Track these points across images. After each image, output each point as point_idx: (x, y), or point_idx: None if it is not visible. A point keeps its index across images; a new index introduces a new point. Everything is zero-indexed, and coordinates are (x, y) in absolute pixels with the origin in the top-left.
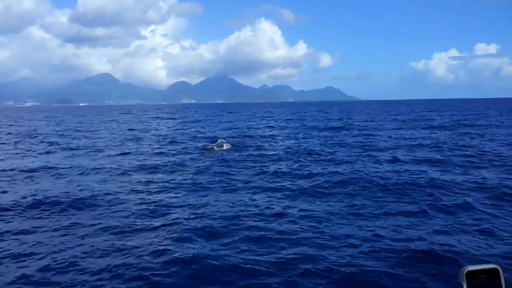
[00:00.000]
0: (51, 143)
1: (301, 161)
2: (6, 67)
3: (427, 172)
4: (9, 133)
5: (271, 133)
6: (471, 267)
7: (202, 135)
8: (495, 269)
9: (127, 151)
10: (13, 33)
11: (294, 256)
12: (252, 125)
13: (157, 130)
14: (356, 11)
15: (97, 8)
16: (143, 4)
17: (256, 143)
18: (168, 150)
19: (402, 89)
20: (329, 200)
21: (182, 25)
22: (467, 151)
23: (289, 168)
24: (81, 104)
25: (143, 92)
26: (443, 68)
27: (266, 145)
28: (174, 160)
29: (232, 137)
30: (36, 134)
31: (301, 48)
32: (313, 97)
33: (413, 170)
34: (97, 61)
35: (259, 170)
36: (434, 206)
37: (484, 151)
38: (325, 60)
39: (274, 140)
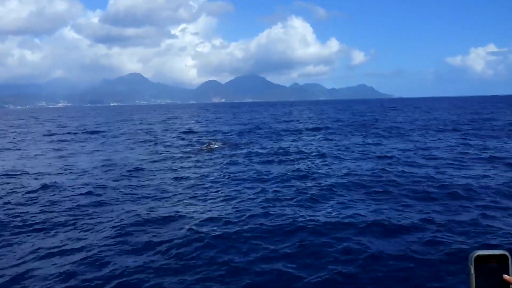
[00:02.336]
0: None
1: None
2: (39, 68)
3: None
4: None
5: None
6: (480, 252)
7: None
8: (504, 255)
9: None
10: (46, 34)
11: None
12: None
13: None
14: (389, 7)
15: (128, 8)
16: (173, 3)
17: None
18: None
19: (438, 86)
20: None
21: (213, 24)
22: None
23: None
24: (111, 104)
25: (174, 91)
26: (481, 64)
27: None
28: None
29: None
30: None
31: (333, 45)
32: (345, 95)
33: None
34: (128, 61)
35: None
36: None
37: None
38: (358, 57)
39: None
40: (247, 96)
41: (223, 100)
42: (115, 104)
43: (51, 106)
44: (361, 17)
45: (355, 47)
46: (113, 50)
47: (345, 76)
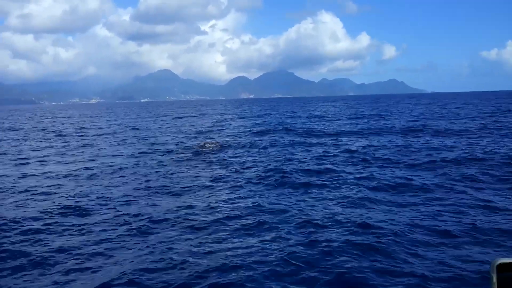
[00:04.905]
0: None
1: None
2: (72, 65)
3: None
4: None
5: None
6: (503, 260)
7: None
8: None
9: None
10: (79, 32)
11: None
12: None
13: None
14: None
15: (158, 6)
16: None
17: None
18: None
19: (472, 81)
20: None
21: (242, 19)
22: None
23: None
24: (142, 100)
25: (203, 87)
26: None
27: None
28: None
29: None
30: None
31: (364, 40)
32: (375, 90)
33: None
34: (158, 57)
35: None
36: None
37: None
38: (389, 51)
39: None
40: (276, 92)
41: (252, 96)
42: (146, 100)
43: (84, 102)
44: (393, 11)
45: (386, 41)
46: (144, 47)
47: (375, 71)
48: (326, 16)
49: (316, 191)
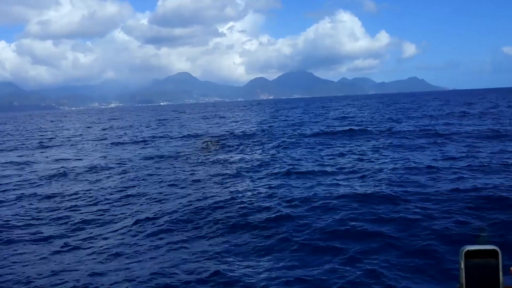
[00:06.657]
0: None
1: None
2: (91, 70)
3: None
4: None
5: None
6: (471, 247)
7: None
8: (495, 250)
9: None
10: (98, 37)
11: None
12: None
13: None
14: None
15: (176, 9)
16: (220, 1)
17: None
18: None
19: (494, 77)
20: None
21: (260, 21)
22: None
23: None
24: (161, 104)
25: (222, 89)
26: None
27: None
28: None
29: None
30: None
31: (383, 38)
32: (395, 89)
33: None
34: (177, 60)
35: None
36: None
37: None
38: (409, 49)
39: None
40: (295, 92)
41: (271, 97)
42: (165, 103)
43: (103, 106)
44: (412, 8)
45: (406, 39)
46: (162, 50)
47: (395, 69)
48: (344, 15)
49: None
